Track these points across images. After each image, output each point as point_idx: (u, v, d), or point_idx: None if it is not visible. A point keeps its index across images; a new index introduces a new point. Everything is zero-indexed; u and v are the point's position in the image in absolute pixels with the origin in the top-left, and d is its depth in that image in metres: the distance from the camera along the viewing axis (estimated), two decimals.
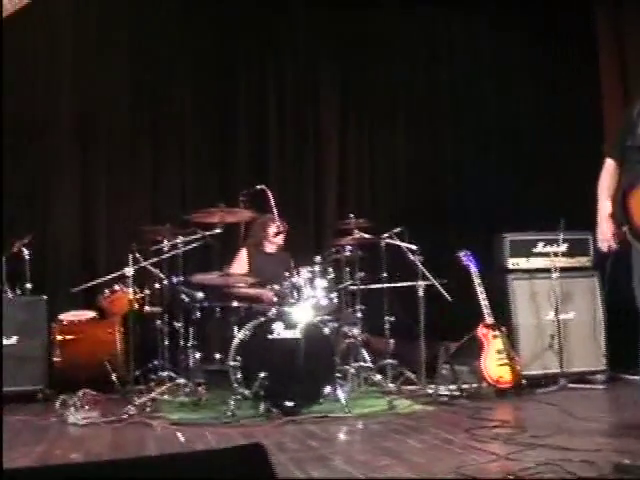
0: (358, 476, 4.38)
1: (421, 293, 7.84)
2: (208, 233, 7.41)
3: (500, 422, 6.06)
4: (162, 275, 7.76)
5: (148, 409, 6.64)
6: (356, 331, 7.80)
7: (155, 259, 7.59)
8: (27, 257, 8.10)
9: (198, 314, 7.38)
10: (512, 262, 8.35)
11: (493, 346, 7.55)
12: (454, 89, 10.68)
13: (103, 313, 8.43)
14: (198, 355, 7.33)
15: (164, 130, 9.79)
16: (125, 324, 8.07)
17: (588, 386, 7.97)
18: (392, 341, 8.00)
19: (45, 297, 7.97)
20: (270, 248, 8.17)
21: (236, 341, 6.71)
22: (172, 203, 9.58)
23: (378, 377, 7.77)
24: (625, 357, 6.96)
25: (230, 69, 10.05)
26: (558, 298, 8.02)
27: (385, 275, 8.03)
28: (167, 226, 7.77)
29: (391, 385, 7.68)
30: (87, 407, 6.49)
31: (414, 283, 7.87)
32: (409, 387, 7.73)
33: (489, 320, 7.63)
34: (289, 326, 6.64)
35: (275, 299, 7.16)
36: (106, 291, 8.25)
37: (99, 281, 7.89)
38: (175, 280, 7.55)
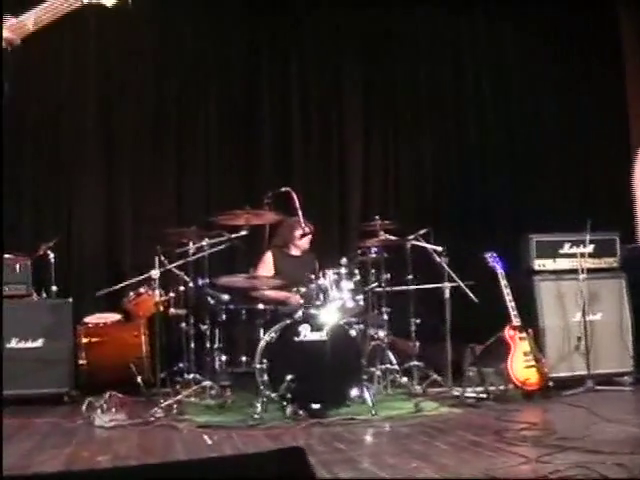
0: (387, 478, 4.35)
1: (447, 295, 7.79)
2: (234, 235, 7.40)
3: (528, 424, 6.02)
4: (187, 278, 7.74)
5: (174, 412, 6.63)
6: (382, 333, 7.77)
7: (181, 261, 7.58)
8: (52, 260, 8.12)
9: (224, 316, 7.39)
10: (538, 263, 8.29)
11: (520, 348, 7.50)
12: (478, 90, 10.64)
13: (128, 316, 8.44)
14: (224, 358, 7.34)
15: (189, 132, 9.81)
16: (150, 327, 8.08)
17: (615, 388, 7.90)
18: (418, 343, 7.96)
19: (71, 300, 7.98)
20: (296, 250, 8.17)
21: (262, 343, 6.70)
22: (197, 205, 9.60)
23: (404, 379, 7.74)
24: None
25: (254, 70, 10.04)
26: (585, 299, 7.97)
27: (411, 277, 7.99)
28: (193, 228, 7.74)
29: (417, 387, 7.65)
30: (113, 409, 6.51)
31: (440, 285, 7.82)
32: (435, 389, 7.68)
33: (516, 322, 7.57)
34: (315, 328, 6.62)
35: (301, 301, 7.15)
36: (131, 294, 8.26)
37: (125, 284, 7.90)
38: (201, 282, 7.53)
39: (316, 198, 9.68)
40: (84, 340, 8.10)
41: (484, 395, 7.34)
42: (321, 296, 7.01)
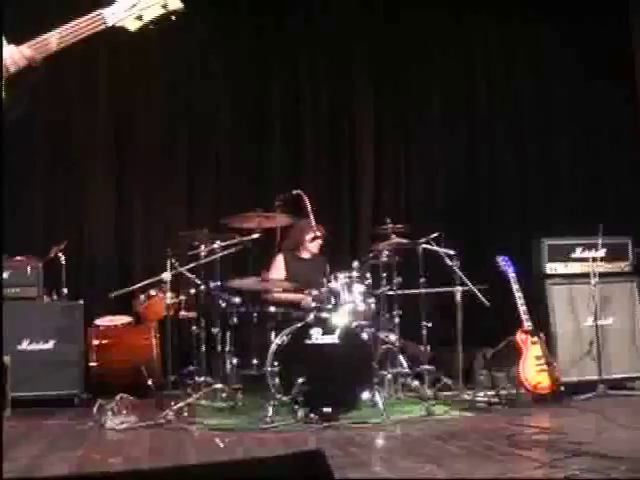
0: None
1: (459, 298, 7.76)
2: (246, 238, 7.39)
3: (540, 429, 6.01)
4: (198, 280, 7.73)
5: (185, 414, 6.63)
6: (393, 337, 7.76)
7: (192, 264, 7.57)
8: (64, 262, 8.13)
9: (235, 319, 7.36)
10: (550, 267, 8.26)
11: (531, 352, 7.47)
12: (490, 91, 10.61)
13: (139, 318, 8.44)
14: (235, 360, 7.32)
15: (200, 134, 9.80)
16: (161, 329, 8.08)
17: (627, 392, 7.89)
18: (429, 347, 7.94)
19: (82, 302, 7.99)
20: (306, 253, 8.16)
21: (274, 346, 6.69)
22: (208, 207, 9.60)
23: (415, 383, 7.73)
24: None
25: (265, 72, 10.04)
26: (597, 304, 7.94)
27: (422, 280, 7.96)
28: (204, 231, 7.73)
29: (428, 391, 7.62)
30: (124, 412, 6.50)
31: (452, 288, 7.80)
32: (446, 393, 7.67)
33: (527, 326, 7.54)
34: (327, 331, 6.60)
35: (313, 304, 7.13)
36: (142, 296, 8.25)
37: (137, 286, 7.90)
38: (212, 285, 7.51)
39: (327, 201, 9.64)
40: (95, 342, 8.09)
41: (495, 399, 7.33)
42: (332, 299, 7.00)
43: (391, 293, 7.83)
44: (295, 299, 7.67)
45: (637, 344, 8.14)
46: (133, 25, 3.18)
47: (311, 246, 8.09)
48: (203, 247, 7.64)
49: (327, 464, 1.81)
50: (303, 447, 5.52)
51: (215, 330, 7.45)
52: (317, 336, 6.58)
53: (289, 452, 1.90)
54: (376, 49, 10.32)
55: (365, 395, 6.55)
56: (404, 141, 10.45)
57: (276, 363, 6.55)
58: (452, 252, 7.79)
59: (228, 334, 7.38)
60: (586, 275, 8.05)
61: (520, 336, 7.51)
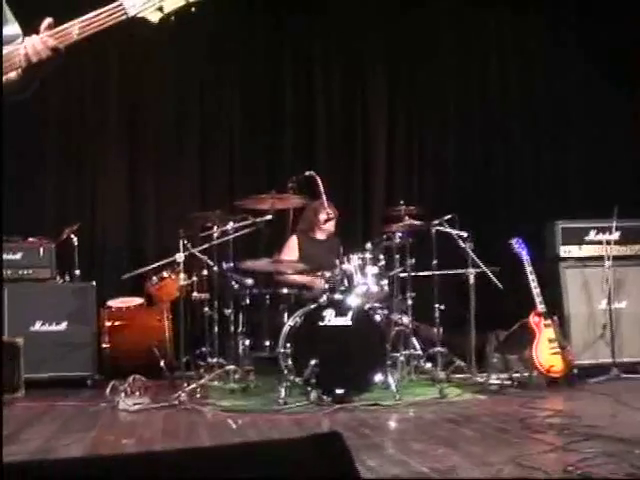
0: (416, 466, 4.32)
1: (472, 281, 7.74)
2: (259, 219, 7.37)
3: (553, 412, 5.99)
4: (210, 262, 7.71)
5: (198, 395, 6.64)
6: (406, 319, 7.74)
7: (205, 245, 7.55)
8: (76, 244, 8.14)
9: (248, 301, 7.35)
10: (564, 250, 8.23)
11: (545, 335, 7.44)
12: (503, 76, 10.54)
13: (151, 299, 8.44)
14: (247, 342, 7.32)
15: (212, 116, 9.77)
16: (173, 311, 8.08)
17: None
18: (442, 329, 7.92)
19: (94, 283, 8.00)
20: (320, 235, 8.13)
21: (286, 328, 6.67)
22: (220, 189, 9.58)
23: (428, 365, 7.73)
24: None
25: (277, 54, 10.01)
26: (610, 287, 7.92)
27: (435, 262, 7.93)
28: (217, 212, 7.71)
29: (441, 373, 7.61)
30: (137, 393, 6.51)
31: (465, 271, 7.78)
32: (459, 375, 7.67)
33: (541, 308, 7.51)
34: (340, 313, 6.60)
35: (326, 286, 7.11)
36: (154, 278, 8.24)
37: (150, 268, 7.90)
38: (225, 266, 7.49)
39: (340, 183, 9.60)
40: (107, 324, 8.10)
41: (508, 382, 7.32)
42: (345, 281, 6.98)
43: (404, 275, 7.81)
44: (307, 281, 7.65)
45: None
46: (154, 16, 3.16)
47: (325, 227, 8.05)
48: (216, 228, 7.62)
49: (346, 446, 1.79)
50: (316, 429, 5.53)
51: (228, 311, 7.43)
52: (330, 318, 6.57)
53: (304, 434, 1.88)
54: (391, 34, 10.24)
55: (378, 377, 6.54)
56: (417, 124, 10.39)
57: (289, 345, 6.54)
58: (465, 234, 7.76)
59: (241, 315, 7.36)
60: (600, 258, 8.03)
61: (533, 319, 7.48)
